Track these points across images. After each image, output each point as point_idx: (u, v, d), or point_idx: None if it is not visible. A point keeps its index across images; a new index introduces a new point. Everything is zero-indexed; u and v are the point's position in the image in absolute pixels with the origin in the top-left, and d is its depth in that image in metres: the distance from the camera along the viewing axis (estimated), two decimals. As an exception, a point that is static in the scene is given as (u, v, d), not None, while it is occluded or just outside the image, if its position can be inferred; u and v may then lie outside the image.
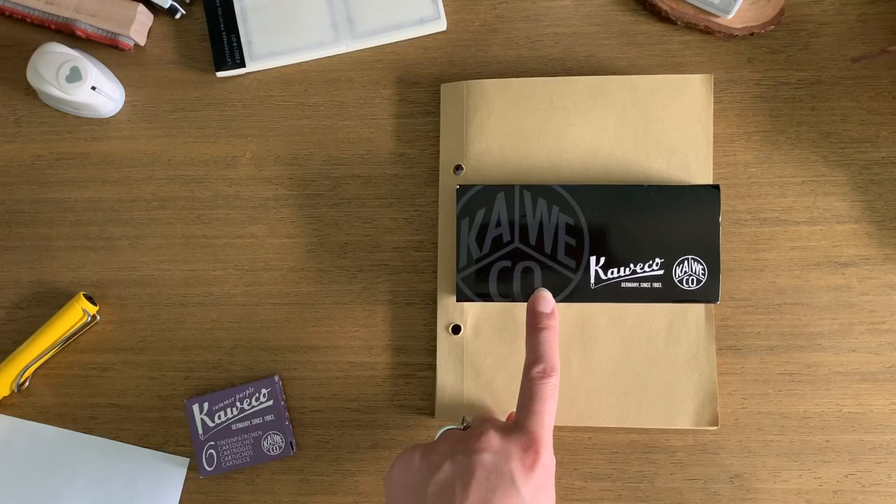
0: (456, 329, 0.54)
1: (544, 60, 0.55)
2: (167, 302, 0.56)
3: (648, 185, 0.51)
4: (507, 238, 0.51)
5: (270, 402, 0.54)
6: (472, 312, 0.53)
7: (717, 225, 0.51)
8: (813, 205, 0.54)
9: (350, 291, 0.55)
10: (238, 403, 0.54)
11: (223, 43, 0.55)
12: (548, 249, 0.51)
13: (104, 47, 0.56)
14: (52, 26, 0.55)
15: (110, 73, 0.56)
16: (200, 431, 0.55)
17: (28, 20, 0.56)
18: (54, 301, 0.56)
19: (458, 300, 0.52)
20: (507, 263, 0.51)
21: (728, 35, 0.54)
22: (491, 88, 0.54)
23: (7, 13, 0.56)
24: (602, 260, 0.51)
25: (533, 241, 0.51)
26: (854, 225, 0.53)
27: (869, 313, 0.53)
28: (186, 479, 0.55)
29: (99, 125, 0.57)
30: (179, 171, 0.56)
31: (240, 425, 0.54)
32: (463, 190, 0.52)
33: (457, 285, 0.51)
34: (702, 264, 0.51)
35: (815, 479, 0.53)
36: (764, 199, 0.54)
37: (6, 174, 0.57)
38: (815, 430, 0.53)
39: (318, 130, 0.56)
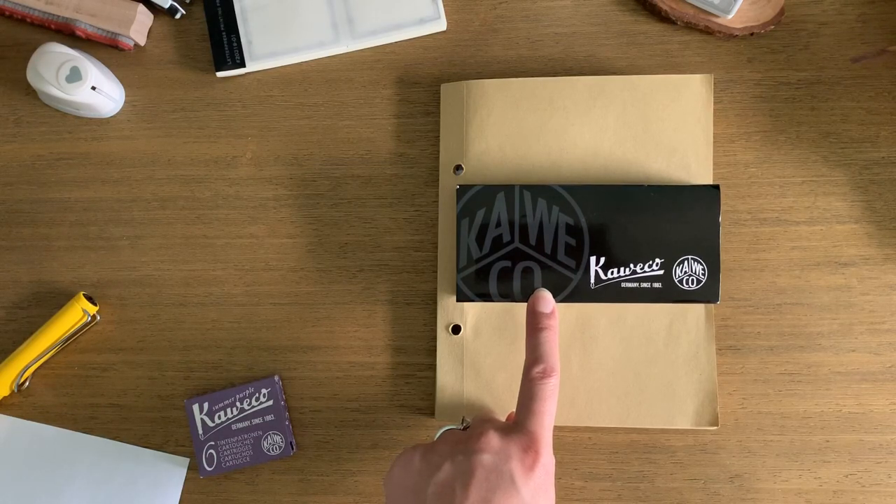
0: (456, 329, 0.54)
1: (544, 60, 0.55)
2: (167, 302, 0.56)
3: (648, 185, 0.51)
4: (507, 238, 0.51)
5: (270, 402, 0.54)
6: (472, 312, 0.53)
7: (717, 225, 0.51)
8: (813, 205, 0.54)
9: (350, 291, 0.55)
10: (238, 403, 0.54)
11: (223, 43, 0.55)
12: (548, 249, 0.51)
13: (104, 47, 0.56)
14: (52, 26, 0.55)
15: (110, 73, 0.56)
16: (200, 431, 0.55)
17: (28, 20, 0.56)
18: (54, 301, 0.56)
19: (458, 300, 0.52)
20: (507, 263, 0.51)
21: (728, 35, 0.54)
22: (491, 88, 0.54)
23: (7, 13, 0.56)
24: (602, 260, 0.51)
25: (533, 241, 0.51)
26: (854, 225, 0.53)
27: (869, 313, 0.53)
28: (186, 479, 0.55)
29: (99, 125, 0.57)
30: (179, 171, 0.56)
31: (240, 425, 0.54)
32: (463, 190, 0.52)
33: (457, 285, 0.51)
34: (702, 264, 0.51)
35: (815, 479, 0.53)
36: (764, 199, 0.54)
37: (6, 174, 0.57)
38: (815, 430, 0.53)
39: (318, 130, 0.56)
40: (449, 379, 0.53)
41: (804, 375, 0.53)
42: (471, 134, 0.54)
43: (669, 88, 0.53)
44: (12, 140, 0.57)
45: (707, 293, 0.51)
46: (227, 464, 0.54)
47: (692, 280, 0.51)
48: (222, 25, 0.55)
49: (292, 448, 0.54)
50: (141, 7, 0.55)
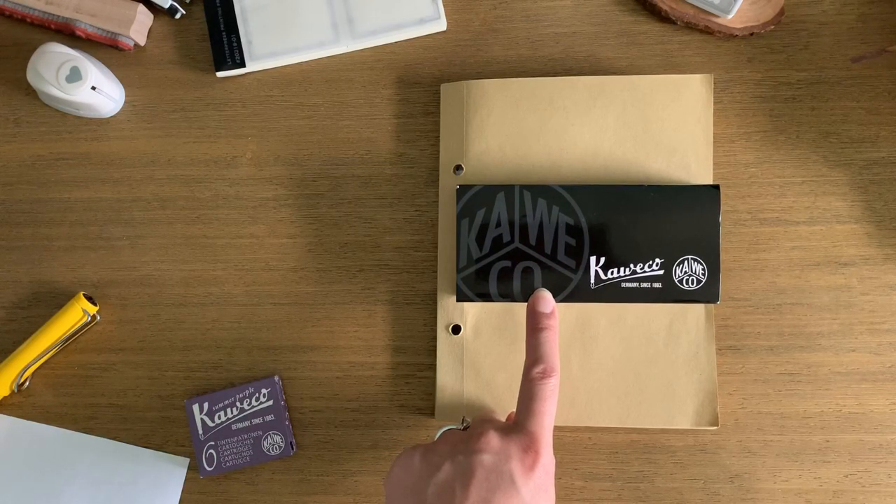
0: (456, 329, 0.54)
1: (544, 60, 0.55)
2: (167, 302, 0.56)
3: (648, 185, 0.51)
4: (507, 238, 0.51)
5: (270, 402, 0.54)
6: (472, 312, 0.53)
7: (717, 225, 0.51)
8: (813, 205, 0.54)
9: (350, 291, 0.55)
10: (238, 403, 0.54)
11: (223, 43, 0.55)
12: (548, 249, 0.51)
13: (104, 47, 0.56)
14: (52, 26, 0.55)
15: (110, 73, 0.56)
16: (200, 431, 0.55)
17: (28, 20, 0.56)
18: (54, 301, 0.56)
19: (458, 300, 0.52)
20: (507, 263, 0.51)
21: (728, 35, 0.54)
22: (491, 88, 0.54)
23: (7, 13, 0.56)
24: (602, 260, 0.51)
25: (533, 241, 0.51)
26: (854, 225, 0.53)
27: (869, 313, 0.53)
28: (186, 479, 0.55)
29: (99, 125, 0.57)
30: (179, 171, 0.56)
31: (240, 425, 0.54)
32: (463, 190, 0.52)
33: (457, 285, 0.51)
34: (702, 264, 0.51)
35: (815, 479, 0.53)
36: (764, 199, 0.54)
37: (6, 174, 0.57)
38: (815, 430, 0.53)
39: (318, 130, 0.56)
40: (449, 379, 0.53)
41: (804, 375, 0.53)
42: (471, 134, 0.54)
43: (669, 88, 0.53)
44: (12, 140, 0.57)
45: (707, 293, 0.51)
46: (227, 464, 0.54)
47: (692, 280, 0.51)
48: (222, 25, 0.55)
49: (292, 448, 0.54)
50: (141, 7, 0.55)
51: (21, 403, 0.56)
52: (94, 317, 0.55)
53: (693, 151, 0.53)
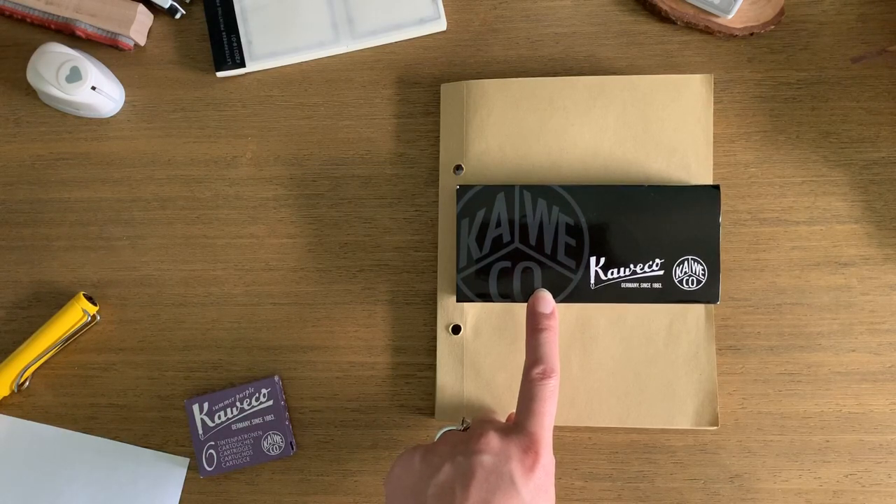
0: (456, 329, 0.54)
1: (544, 60, 0.55)
2: (167, 302, 0.56)
3: (648, 186, 0.51)
4: (507, 238, 0.51)
5: (270, 402, 0.54)
6: (472, 312, 0.53)
7: (717, 225, 0.51)
8: (813, 205, 0.54)
9: (350, 291, 0.55)
10: (238, 403, 0.54)
11: (223, 43, 0.55)
12: (548, 250, 0.51)
13: (104, 47, 0.56)
14: (52, 26, 0.55)
15: (110, 73, 0.56)
16: (200, 431, 0.55)
17: (28, 20, 0.56)
18: (54, 301, 0.56)
19: (458, 300, 0.52)
20: (507, 264, 0.51)
21: (728, 35, 0.54)
22: (491, 88, 0.53)
23: (7, 13, 0.56)
24: (602, 260, 0.51)
25: (533, 242, 0.51)
26: (854, 225, 0.53)
27: (869, 313, 0.53)
28: (186, 479, 0.55)
29: (99, 125, 0.57)
30: (179, 171, 0.56)
31: (240, 425, 0.54)
32: (463, 190, 0.52)
33: (457, 285, 0.51)
34: (702, 264, 0.51)
35: (815, 479, 0.53)
36: (764, 199, 0.54)
37: (6, 174, 0.57)
38: (815, 430, 0.53)
39: (318, 130, 0.56)
40: (449, 379, 0.53)
41: (804, 375, 0.53)
42: (471, 134, 0.54)
43: (669, 88, 0.53)
44: (12, 140, 0.57)
45: (707, 293, 0.51)
46: (227, 464, 0.54)
47: (692, 280, 0.51)
48: (222, 25, 0.55)
49: (292, 448, 0.54)
50: (141, 7, 0.55)
51: (21, 403, 0.56)
52: (94, 317, 0.55)
53: (693, 151, 0.53)
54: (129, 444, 0.56)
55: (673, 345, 0.52)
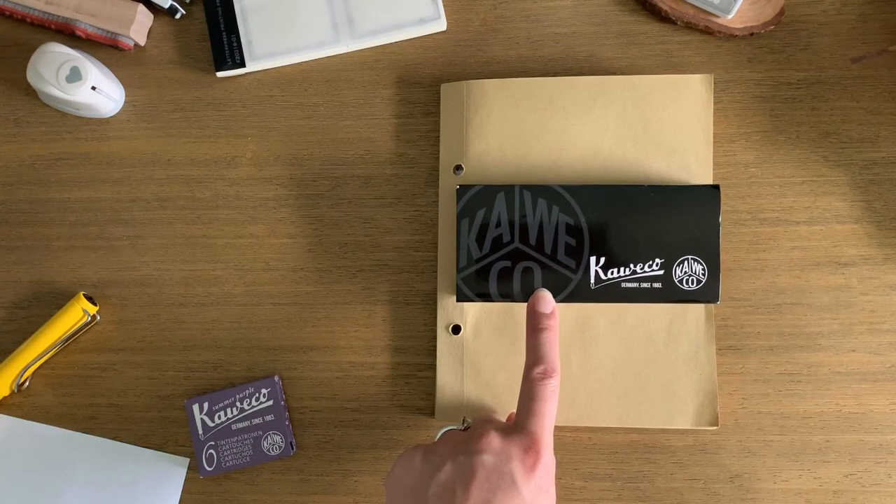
0: (456, 329, 0.54)
1: (544, 60, 0.55)
2: (167, 302, 0.56)
3: (648, 185, 0.51)
4: (507, 238, 0.51)
5: (270, 402, 0.54)
6: (472, 312, 0.53)
7: (717, 225, 0.51)
8: (813, 205, 0.54)
9: (350, 291, 0.55)
10: (238, 403, 0.54)
11: (223, 43, 0.55)
12: (548, 249, 0.51)
13: (104, 47, 0.56)
14: (52, 26, 0.55)
15: (110, 73, 0.56)
16: (200, 431, 0.55)
17: (28, 20, 0.56)
18: (54, 301, 0.56)
19: (458, 300, 0.52)
20: (507, 263, 0.51)
21: (728, 35, 0.54)
22: (491, 88, 0.54)
23: (7, 13, 0.56)
24: (602, 260, 0.51)
25: (533, 241, 0.51)
26: (854, 225, 0.53)
27: (869, 313, 0.53)
28: (186, 479, 0.55)
29: (99, 125, 0.57)
30: (179, 171, 0.56)
31: (240, 425, 0.54)
32: (463, 190, 0.52)
33: (457, 285, 0.51)
34: (702, 264, 0.51)
35: (815, 479, 0.53)
36: (764, 199, 0.54)
37: (6, 174, 0.57)
38: (815, 430, 0.53)
39: (318, 130, 0.56)
40: (449, 379, 0.53)
41: (804, 375, 0.53)
42: (471, 134, 0.54)
43: (669, 88, 0.53)
44: (12, 140, 0.57)
45: (707, 293, 0.51)
46: (227, 464, 0.54)
47: (692, 280, 0.51)
48: (222, 25, 0.55)
49: (292, 448, 0.54)
50: (141, 7, 0.55)
51: (21, 403, 0.56)
52: (94, 317, 0.55)
53: (693, 151, 0.53)
54: (129, 444, 0.56)
55: (673, 345, 0.52)
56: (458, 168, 0.54)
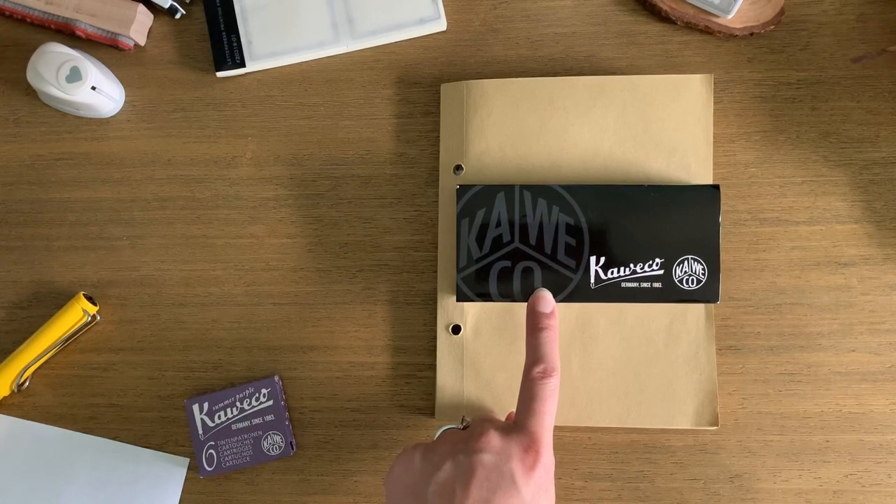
0: (456, 329, 0.54)
1: (544, 60, 0.55)
2: (167, 302, 0.56)
3: (648, 185, 0.51)
4: (507, 238, 0.51)
5: (270, 402, 0.54)
6: (472, 312, 0.53)
7: (717, 225, 0.51)
8: (813, 205, 0.54)
9: (350, 291, 0.55)
10: (238, 403, 0.54)
11: (223, 43, 0.55)
12: (548, 249, 0.51)
13: (104, 47, 0.56)
14: (52, 26, 0.55)
15: (110, 73, 0.56)
16: (200, 431, 0.55)
17: (28, 20, 0.56)
18: (54, 301, 0.56)
19: (458, 300, 0.52)
20: (507, 263, 0.51)
21: (728, 35, 0.54)
22: (491, 88, 0.54)
23: (7, 13, 0.56)
24: (602, 260, 0.51)
25: (533, 241, 0.51)
26: (854, 225, 0.53)
27: (869, 313, 0.53)
28: (186, 479, 0.55)
29: (99, 125, 0.57)
30: (179, 171, 0.56)
31: (240, 425, 0.54)
32: (463, 190, 0.52)
33: (457, 285, 0.51)
34: (702, 264, 0.51)
35: (815, 479, 0.53)
36: (764, 199, 0.54)
37: (6, 174, 0.57)
38: (815, 430, 0.53)
39: (318, 130, 0.56)
40: (449, 379, 0.53)
41: (804, 375, 0.53)
42: (471, 134, 0.54)
43: (669, 88, 0.53)
44: (12, 140, 0.57)
45: (707, 293, 0.51)
46: (227, 464, 0.54)
47: (692, 280, 0.51)
48: (222, 25, 0.55)
49: (292, 448, 0.54)
50: (141, 7, 0.55)
51: (21, 403, 0.56)
52: (94, 317, 0.55)
53: (693, 151, 0.53)
54: (129, 444, 0.56)
55: (673, 345, 0.52)
56: (458, 168, 0.54)
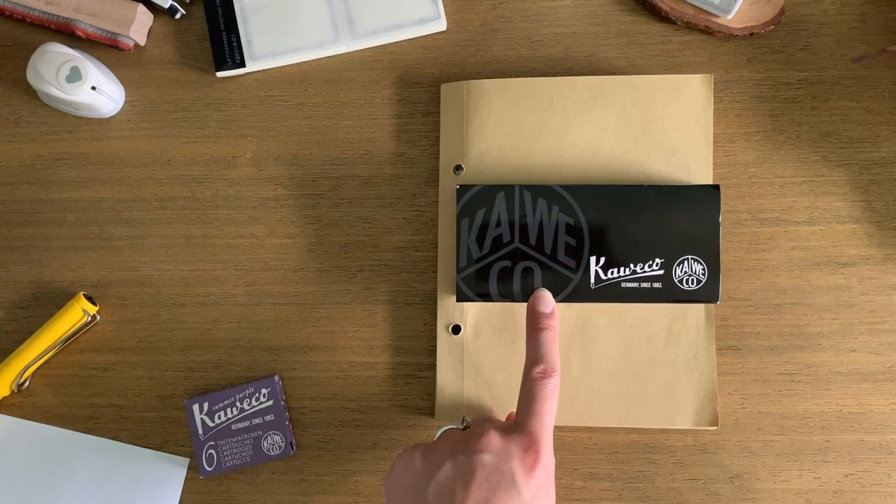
0: (456, 329, 0.54)
1: (544, 60, 0.55)
2: (167, 302, 0.56)
3: (648, 185, 0.51)
4: (507, 238, 0.51)
5: (270, 402, 0.54)
6: (472, 312, 0.53)
7: (717, 225, 0.51)
8: (813, 205, 0.54)
9: (350, 291, 0.55)
10: (238, 403, 0.54)
11: (223, 43, 0.55)
12: (548, 249, 0.51)
13: (104, 47, 0.56)
14: (52, 26, 0.55)
15: (110, 73, 0.56)
16: (200, 431, 0.55)
17: (28, 20, 0.56)
18: (54, 301, 0.56)
19: (458, 300, 0.52)
20: (507, 263, 0.51)
21: (728, 35, 0.54)
22: (491, 88, 0.54)
23: (7, 13, 0.56)
24: (602, 260, 0.51)
25: (533, 241, 0.51)
26: (854, 225, 0.53)
27: (869, 313, 0.53)
28: (186, 479, 0.55)
29: (99, 125, 0.57)
30: (179, 171, 0.56)
31: (240, 425, 0.54)
32: (463, 190, 0.52)
33: (457, 285, 0.51)
34: (702, 264, 0.51)
35: (815, 479, 0.53)
36: (764, 199, 0.54)
37: (6, 174, 0.57)
38: (815, 430, 0.53)
39: (318, 130, 0.56)
40: (449, 379, 0.53)
41: (804, 375, 0.53)
42: (471, 134, 0.54)
43: (669, 88, 0.53)
44: (12, 140, 0.57)
45: (707, 293, 0.51)
46: (227, 464, 0.54)
47: (692, 280, 0.51)
48: (222, 25, 0.55)
49: (292, 448, 0.54)
50: (141, 7, 0.55)
51: (21, 403, 0.56)
52: (94, 317, 0.55)
53: (693, 151, 0.53)
54: (129, 444, 0.56)
55: (673, 345, 0.52)
56: (458, 168, 0.54)
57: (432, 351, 0.55)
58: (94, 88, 0.53)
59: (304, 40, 0.55)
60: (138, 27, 0.55)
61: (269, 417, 0.54)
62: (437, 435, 0.48)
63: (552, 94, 0.53)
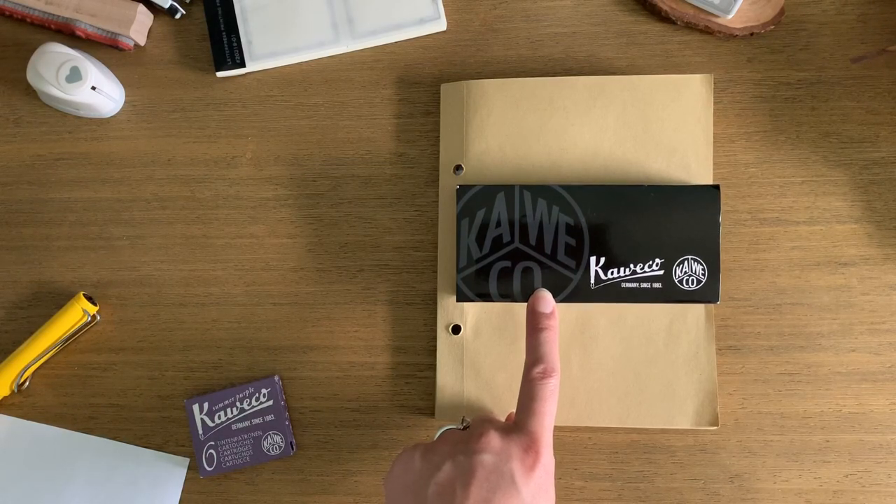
0: (456, 329, 0.54)
1: (544, 60, 0.55)
2: (167, 302, 0.56)
3: (648, 185, 0.51)
4: (507, 238, 0.51)
5: (270, 402, 0.54)
6: (472, 312, 0.53)
7: (717, 225, 0.51)
8: (813, 205, 0.54)
9: (350, 291, 0.55)
10: (238, 403, 0.54)
11: (223, 43, 0.55)
12: (548, 249, 0.51)
13: (104, 47, 0.56)
14: (52, 26, 0.55)
15: (110, 73, 0.56)
16: (200, 431, 0.55)
17: (28, 20, 0.56)
18: (54, 301, 0.56)
19: (458, 300, 0.52)
20: (507, 263, 0.51)
21: (728, 35, 0.54)
22: (491, 88, 0.54)
23: (7, 13, 0.56)
24: (602, 260, 0.51)
25: (533, 241, 0.51)
26: (854, 225, 0.53)
27: (869, 313, 0.53)
28: (186, 479, 0.55)
29: (99, 125, 0.57)
30: (179, 171, 0.56)
31: (240, 425, 0.54)
32: (463, 190, 0.52)
33: (457, 285, 0.51)
34: (702, 264, 0.51)
35: (815, 479, 0.53)
36: (764, 199, 0.54)
37: (6, 174, 0.57)
38: (815, 430, 0.53)
39: (318, 130, 0.56)
40: (449, 379, 0.53)
41: (804, 375, 0.53)
42: (471, 134, 0.54)
43: (669, 88, 0.53)
44: (12, 140, 0.57)
45: (707, 293, 0.51)
46: (227, 464, 0.54)
47: (692, 280, 0.51)
48: (222, 25, 0.55)
49: (292, 448, 0.54)
50: (141, 7, 0.55)
51: (21, 403, 0.56)
52: (94, 317, 0.55)
53: (693, 151, 0.53)
54: (129, 444, 0.56)
55: (673, 345, 0.52)
56: (458, 168, 0.54)
57: (432, 351, 0.55)
58: (94, 88, 0.53)
59: (304, 40, 0.55)
60: (138, 27, 0.55)
61: (269, 417, 0.54)
62: (437, 435, 0.48)
63: (552, 94, 0.53)
